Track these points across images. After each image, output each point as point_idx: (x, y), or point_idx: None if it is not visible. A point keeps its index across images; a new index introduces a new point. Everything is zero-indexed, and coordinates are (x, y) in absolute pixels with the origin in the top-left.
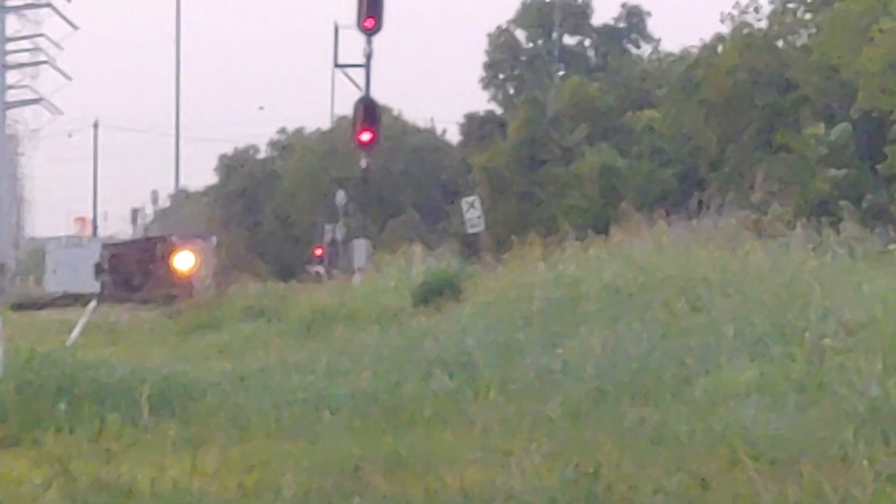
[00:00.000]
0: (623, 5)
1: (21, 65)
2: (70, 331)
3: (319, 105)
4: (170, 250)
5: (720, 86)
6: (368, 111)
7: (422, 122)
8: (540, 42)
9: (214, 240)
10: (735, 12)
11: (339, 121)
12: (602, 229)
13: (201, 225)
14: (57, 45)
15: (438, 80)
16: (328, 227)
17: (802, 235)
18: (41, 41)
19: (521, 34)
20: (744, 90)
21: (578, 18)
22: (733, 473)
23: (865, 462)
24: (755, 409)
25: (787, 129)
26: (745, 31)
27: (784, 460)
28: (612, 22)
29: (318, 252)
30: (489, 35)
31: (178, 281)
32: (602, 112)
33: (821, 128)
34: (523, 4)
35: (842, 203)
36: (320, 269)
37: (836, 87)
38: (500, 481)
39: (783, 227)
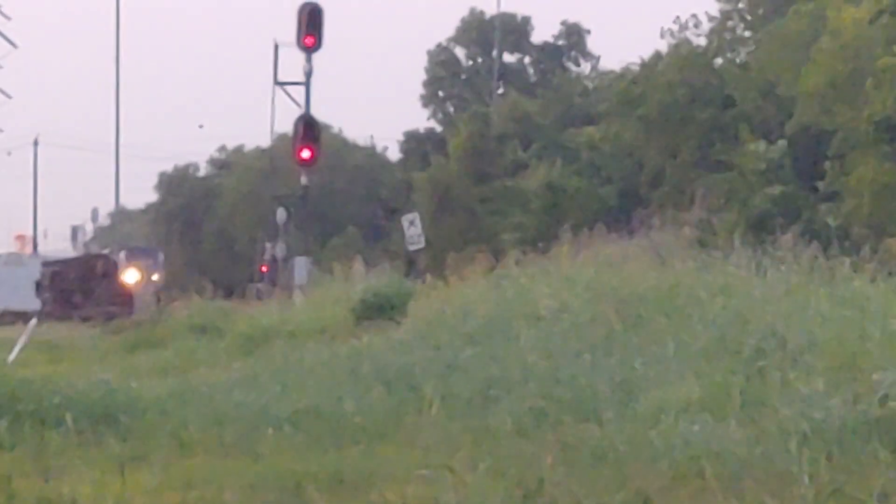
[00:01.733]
0: (563, 23)
1: None
2: (11, 349)
3: (259, 123)
4: (110, 267)
5: (659, 102)
6: (308, 129)
7: (362, 140)
8: (480, 59)
9: (161, 256)
10: (675, 27)
11: (280, 138)
12: (544, 246)
13: (142, 242)
14: None
15: (379, 97)
16: (268, 244)
17: (742, 252)
18: None
19: (460, 52)
20: (683, 107)
21: (518, 36)
22: (675, 490)
23: (807, 478)
24: (697, 426)
25: (725, 145)
26: (685, 48)
27: (727, 477)
28: (551, 39)
29: (263, 269)
30: (429, 52)
31: (119, 298)
32: (541, 129)
33: (759, 145)
34: (463, 22)
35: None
36: (260, 286)
37: (773, 104)
38: (442, 498)
39: (723, 244)
